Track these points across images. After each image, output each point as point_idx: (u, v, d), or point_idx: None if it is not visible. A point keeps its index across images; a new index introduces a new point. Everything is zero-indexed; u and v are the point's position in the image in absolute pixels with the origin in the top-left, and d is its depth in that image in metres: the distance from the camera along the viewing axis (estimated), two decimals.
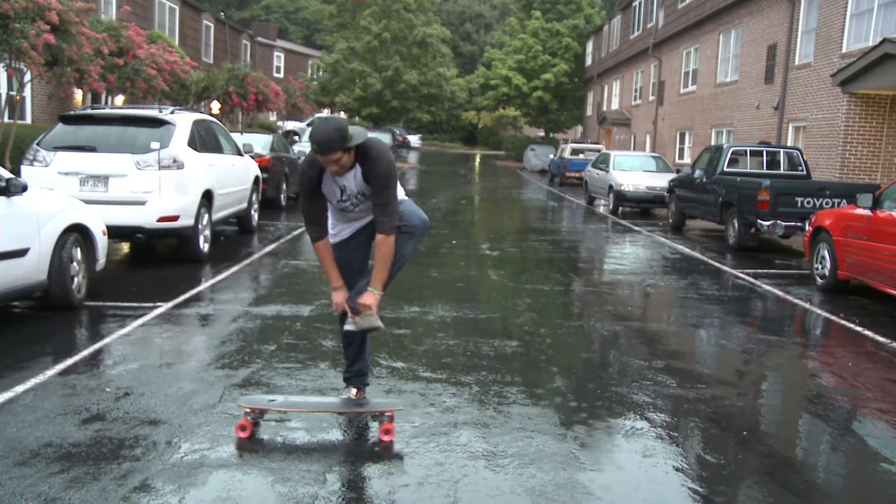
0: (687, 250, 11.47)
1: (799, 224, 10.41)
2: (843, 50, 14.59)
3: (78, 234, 6.26)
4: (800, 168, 13.23)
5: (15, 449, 3.49)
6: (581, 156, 26.48)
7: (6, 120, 13.02)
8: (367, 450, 3.72)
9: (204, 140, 9.02)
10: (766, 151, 13.53)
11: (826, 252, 8.26)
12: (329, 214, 3.90)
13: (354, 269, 3.93)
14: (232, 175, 9.93)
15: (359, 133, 3.56)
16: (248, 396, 4.16)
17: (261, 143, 14.14)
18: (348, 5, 44.35)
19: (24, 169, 7.81)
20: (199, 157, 8.53)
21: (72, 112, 8.96)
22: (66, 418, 3.89)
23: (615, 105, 35.29)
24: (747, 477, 3.53)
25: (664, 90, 26.86)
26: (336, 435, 3.85)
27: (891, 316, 7.20)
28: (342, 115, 41.25)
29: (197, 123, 8.93)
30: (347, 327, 3.85)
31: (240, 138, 12.34)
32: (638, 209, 17.87)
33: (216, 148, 9.53)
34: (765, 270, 9.71)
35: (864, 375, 5.29)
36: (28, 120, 17.26)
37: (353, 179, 3.69)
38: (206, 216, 8.70)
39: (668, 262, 10.38)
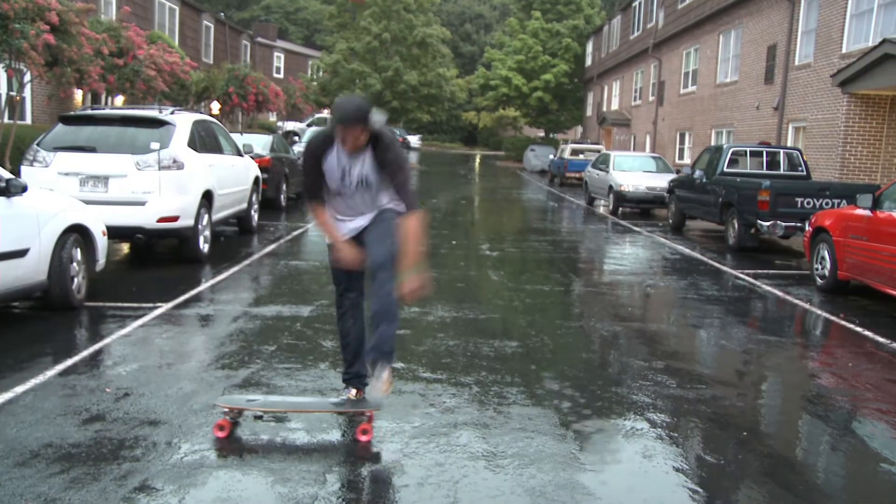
0: (687, 251, 11.47)
1: (799, 224, 10.41)
2: (843, 50, 14.59)
3: (78, 234, 6.26)
4: (800, 168, 13.24)
5: (15, 449, 3.49)
6: (581, 156, 26.48)
7: (6, 120, 13.02)
8: (367, 450, 3.71)
9: (204, 140, 9.02)
10: (766, 152, 13.54)
11: (826, 252, 8.26)
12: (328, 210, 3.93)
13: (353, 274, 3.96)
14: (232, 175, 9.93)
15: (379, 117, 3.65)
16: (227, 396, 4.14)
17: (261, 143, 14.14)
18: (348, 6, 44.39)
19: (24, 169, 7.81)
20: (199, 157, 8.53)
21: (72, 112, 8.96)
22: (66, 419, 3.89)
23: (615, 105, 35.29)
24: (747, 477, 3.53)
25: (664, 90, 26.86)
26: (336, 435, 3.85)
27: (891, 316, 7.20)
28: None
29: (197, 124, 8.93)
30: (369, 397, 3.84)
31: (240, 139, 12.34)
32: (638, 209, 17.87)
33: (216, 148, 9.53)
34: (765, 271, 9.71)
35: (865, 376, 5.29)
36: (28, 120, 17.26)
37: (360, 163, 3.73)
38: (206, 216, 8.70)
39: (668, 263, 10.38)
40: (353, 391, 4.08)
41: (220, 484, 3.25)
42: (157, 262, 8.86)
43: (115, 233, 7.43)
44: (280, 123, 35.57)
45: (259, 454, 3.57)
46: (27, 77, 12.79)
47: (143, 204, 7.76)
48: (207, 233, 8.74)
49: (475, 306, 7.07)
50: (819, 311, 7.39)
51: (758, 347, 5.99)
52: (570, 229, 14.67)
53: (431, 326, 6.17)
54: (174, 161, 7.94)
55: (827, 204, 10.60)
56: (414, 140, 53.75)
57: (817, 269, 8.48)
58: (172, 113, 8.64)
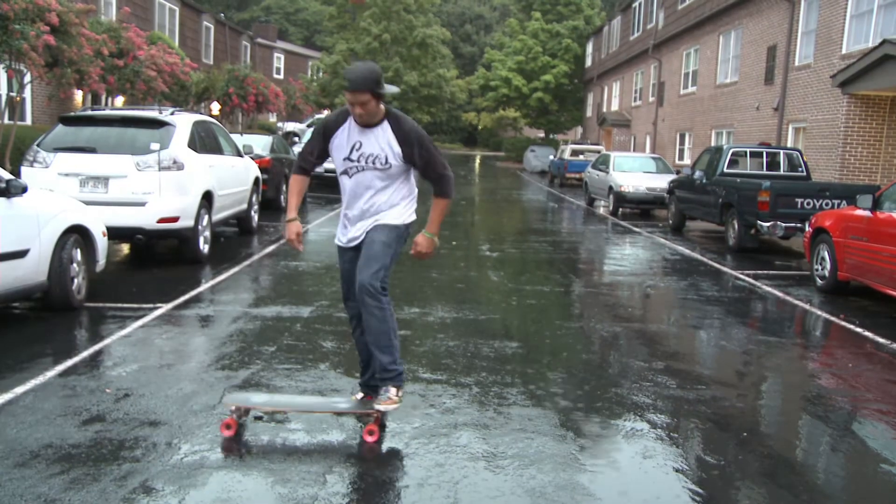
0: (687, 251, 11.47)
1: (799, 225, 10.41)
2: (843, 51, 14.60)
3: (78, 235, 6.26)
4: (800, 169, 13.24)
5: (15, 450, 3.49)
6: (581, 157, 26.49)
7: (6, 121, 13.02)
8: (367, 451, 3.71)
9: (204, 141, 9.02)
10: (766, 152, 13.54)
11: (826, 253, 8.26)
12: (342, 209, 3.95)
13: (353, 281, 3.93)
14: (232, 176, 9.93)
15: (391, 87, 3.72)
16: (233, 395, 4.16)
17: (261, 144, 14.16)
18: (348, 6, 44.38)
19: (24, 170, 7.81)
20: (199, 158, 8.53)
21: (72, 113, 8.97)
22: (66, 419, 3.89)
23: (615, 106, 35.30)
24: (747, 478, 3.53)
25: (664, 91, 26.87)
26: (336, 436, 3.85)
27: (891, 317, 7.20)
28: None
29: (197, 124, 8.93)
30: (377, 406, 3.84)
31: (240, 139, 12.34)
32: (638, 210, 17.87)
33: (216, 149, 9.53)
34: (765, 271, 9.71)
35: (865, 376, 5.29)
36: (28, 121, 17.27)
37: (373, 139, 3.71)
38: (206, 217, 8.71)
39: (668, 264, 10.38)
40: (360, 394, 4.08)
41: (220, 484, 3.25)
42: (157, 262, 8.86)
43: (115, 233, 7.43)
44: (280, 124, 35.56)
45: (259, 455, 3.57)
46: (27, 78, 12.80)
47: (143, 205, 7.76)
48: (207, 233, 8.75)
49: (475, 307, 7.07)
50: (819, 312, 7.38)
51: (758, 348, 5.99)
52: (570, 230, 14.67)
53: (431, 327, 6.17)
54: (174, 162, 7.94)
55: (827, 205, 10.60)
56: None
57: (817, 270, 8.48)
58: (172, 114, 8.65)
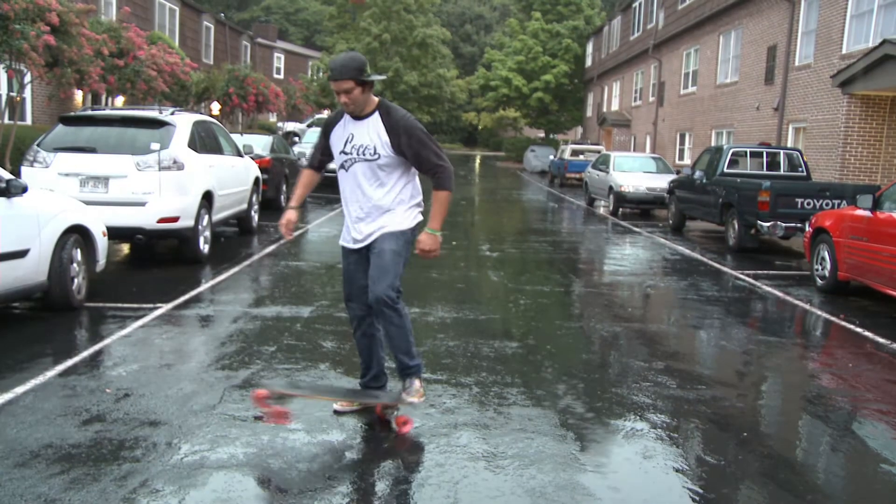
0: (687, 251, 11.47)
1: (799, 225, 10.41)
2: (843, 51, 14.60)
3: (78, 235, 6.26)
4: (800, 169, 13.24)
5: (15, 450, 3.49)
6: (581, 157, 26.49)
7: (6, 121, 13.02)
8: (367, 451, 3.72)
9: (204, 141, 9.02)
10: (766, 152, 13.54)
11: (826, 253, 8.26)
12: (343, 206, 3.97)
13: (355, 283, 3.96)
14: (232, 176, 9.93)
15: (377, 75, 3.75)
16: (269, 381, 4.39)
17: (261, 144, 14.16)
18: (348, 6, 44.41)
19: (25, 170, 7.81)
20: (199, 158, 8.53)
21: (72, 113, 8.97)
22: (66, 419, 3.89)
23: (615, 106, 35.31)
24: (747, 478, 3.53)
25: (664, 91, 26.87)
26: (336, 436, 3.85)
27: (891, 317, 7.20)
28: None
29: (197, 124, 8.93)
30: (407, 399, 3.99)
31: (240, 139, 12.35)
32: (638, 210, 17.87)
33: (216, 149, 9.53)
34: (765, 271, 9.71)
35: (865, 376, 5.29)
36: (28, 121, 17.27)
37: (364, 130, 3.72)
38: (207, 217, 8.71)
39: (668, 264, 10.38)
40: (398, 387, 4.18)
41: (220, 485, 3.25)
42: (157, 262, 8.86)
43: (115, 233, 7.44)
44: (280, 124, 35.57)
45: (259, 455, 3.57)
46: (27, 78, 12.80)
47: (143, 204, 7.76)
48: (207, 233, 8.75)
49: (475, 307, 7.08)
50: (819, 312, 7.38)
51: (758, 348, 5.99)
52: (570, 230, 14.67)
53: (432, 327, 6.17)
54: (174, 162, 7.94)
55: (827, 205, 10.60)
56: None
57: (817, 270, 8.48)
58: (172, 113, 8.65)
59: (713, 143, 20.75)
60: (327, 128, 3.92)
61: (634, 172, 17.61)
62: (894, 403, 4.74)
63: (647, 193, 16.70)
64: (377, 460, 3.61)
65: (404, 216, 3.84)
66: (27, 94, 16.39)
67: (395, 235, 3.79)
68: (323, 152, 4.02)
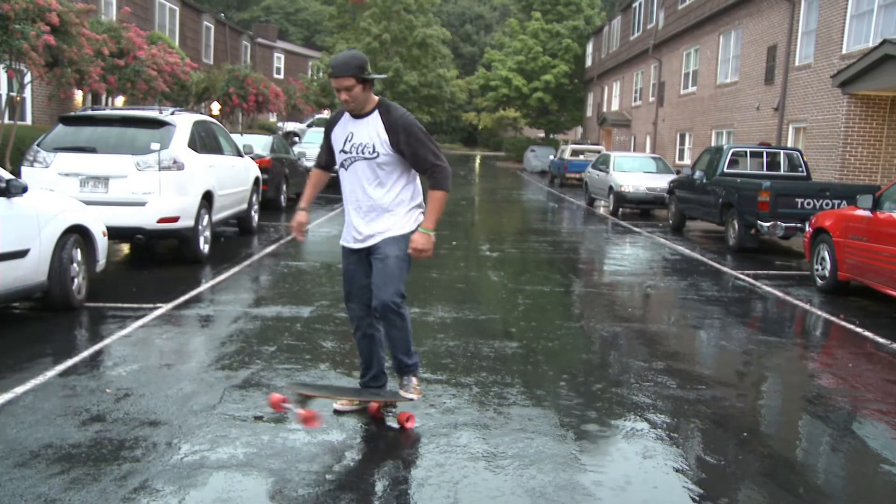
0: (687, 251, 11.47)
1: (799, 225, 10.41)
2: (844, 51, 14.60)
3: (78, 235, 6.26)
4: (800, 169, 13.24)
5: (15, 450, 3.49)
6: (581, 157, 26.50)
7: (6, 121, 13.02)
8: (367, 451, 3.72)
9: (204, 141, 9.02)
10: (766, 152, 13.54)
11: (826, 253, 8.26)
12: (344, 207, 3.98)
13: (356, 283, 3.98)
14: (232, 176, 9.93)
15: (377, 73, 3.79)
16: (293, 382, 4.45)
17: (261, 144, 14.15)
18: (348, 6, 44.41)
19: (25, 170, 7.81)
20: (199, 158, 8.53)
21: (72, 113, 8.97)
22: (66, 419, 3.89)
23: (615, 106, 35.31)
24: (747, 478, 3.53)
25: (664, 91, 26.87)
26: (336, 436, 3.85)
27: (891, 317, 7.20)
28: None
29: (197, 124, 8.93)
30: (405, 395, 4.07)
31: (240, 139, 12.35)
32: (638, 210, 17.87)
33: (216, 149, 9.53)
34: (765, 271, 9.71)
35: (865, 376, 5.29)
36: (28, 121, 17.27)
37: (366, 127, 3.73)
38: (207, 217, 8.71)
39: (668, 264, 10.38)
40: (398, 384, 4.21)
41: (220, 485, 3.25)
42: (157, 262, 8.86)
43: (115, 233, 7.44)
44: (280, 124, 35.58)
45: (259, 455, 3.57)
46: (27, 78, 12.80)
47: (143, 204, 7.77)
48: (207, 233, 8.75)
49: (475, 307, 7.07)
50: (819, 312, 7.38)
51: (758, 348, 5.99)
52: (570, 230, 14.67)
53: (431, 327, 6.17)
54: (174, 162, 7.94)
55: (827, 205, 10.60)
56: None
57: (817, 270, 8.48)
58: (173, 113, 8.65)
59: (713, 143, 20.75)
60: (329, 127, 3.95)
61: (634, 172, 17.62)
62: (894, 403, 4.74)
63: (647, 193, 16.70)
64: (377, 460, 3.61)
65: (406, 218, 3.84)
66: (27, 94, 16.39)
67: (398, 240, 3.79)
68: (328, 152, 4.04)
